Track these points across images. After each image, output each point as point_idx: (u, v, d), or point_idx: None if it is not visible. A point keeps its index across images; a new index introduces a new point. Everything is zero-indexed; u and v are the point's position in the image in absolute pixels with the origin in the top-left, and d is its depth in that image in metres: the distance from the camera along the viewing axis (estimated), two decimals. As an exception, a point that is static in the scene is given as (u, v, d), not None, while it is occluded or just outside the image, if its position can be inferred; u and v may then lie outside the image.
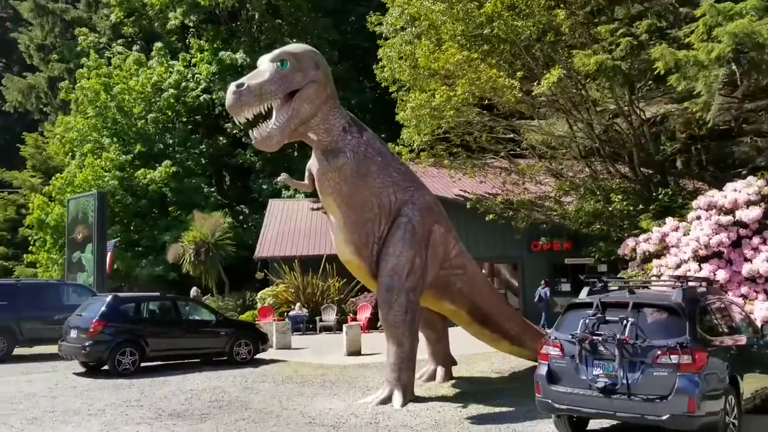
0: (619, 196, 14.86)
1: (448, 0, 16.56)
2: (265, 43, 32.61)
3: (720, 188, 12.98)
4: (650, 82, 17.61)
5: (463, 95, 15.23)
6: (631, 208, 14.82)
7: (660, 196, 15.17)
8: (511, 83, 14.70)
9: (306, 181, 10.73)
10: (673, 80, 12.81)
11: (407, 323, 10.24)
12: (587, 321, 7.09)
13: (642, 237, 13.72)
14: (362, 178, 10.25)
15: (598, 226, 15.52)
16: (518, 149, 20.15)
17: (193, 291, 25.06)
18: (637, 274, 13.26)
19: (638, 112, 16.97)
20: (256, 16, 34.14)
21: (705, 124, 17.73)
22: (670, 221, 13.27)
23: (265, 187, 34.05)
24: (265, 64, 9.67)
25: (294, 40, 34.27)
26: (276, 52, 9.97)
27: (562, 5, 15.14)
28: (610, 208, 15.14)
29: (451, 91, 15.30)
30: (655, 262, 13.08)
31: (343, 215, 10.33)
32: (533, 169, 18.73)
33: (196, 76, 34.08)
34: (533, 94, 15.00)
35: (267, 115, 9.39)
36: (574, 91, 16.84)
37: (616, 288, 8.09)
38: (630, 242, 13.92)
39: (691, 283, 8.10)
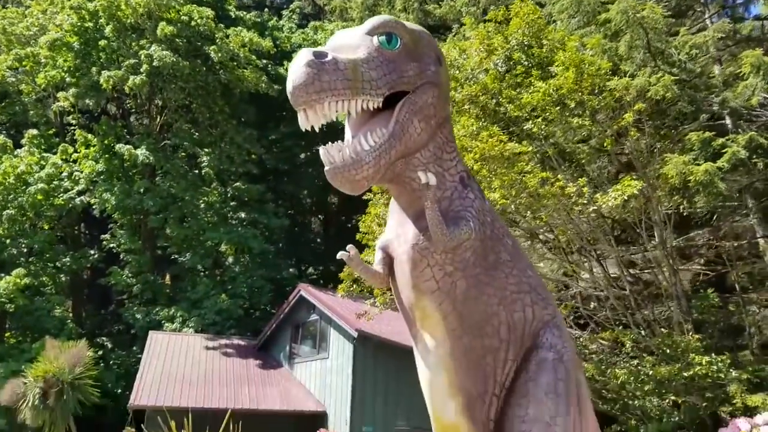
0: (707, 358, 10.94)
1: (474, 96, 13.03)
2: (171, 146, 27.68)
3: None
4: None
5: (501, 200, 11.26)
6: (722, 375, 10.92)
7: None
8: (574, 189, 10.92)
9: (378, 266, 5.32)
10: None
11: None
12: None
13: (761, 419, 9.76)
14: (489, 271, 4.83)
15: (670, 395, 11.42)
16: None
17: None
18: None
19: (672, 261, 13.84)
20: (159, 118, 29.38)
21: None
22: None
23: (139, 316, 27.32)
24: (357, 36, 4.62)
25: (207, 150, 29.43)
26: (377, 20, 4.93)
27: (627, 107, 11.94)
28: (686, 375, 11.13)
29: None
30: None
31: (450, 335, 4.74)
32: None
33: (75, 174, 28.02)
34: (597, 209, 11.25)
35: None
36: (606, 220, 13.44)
37: None
38: (743, 424, 9.86)
39: None
